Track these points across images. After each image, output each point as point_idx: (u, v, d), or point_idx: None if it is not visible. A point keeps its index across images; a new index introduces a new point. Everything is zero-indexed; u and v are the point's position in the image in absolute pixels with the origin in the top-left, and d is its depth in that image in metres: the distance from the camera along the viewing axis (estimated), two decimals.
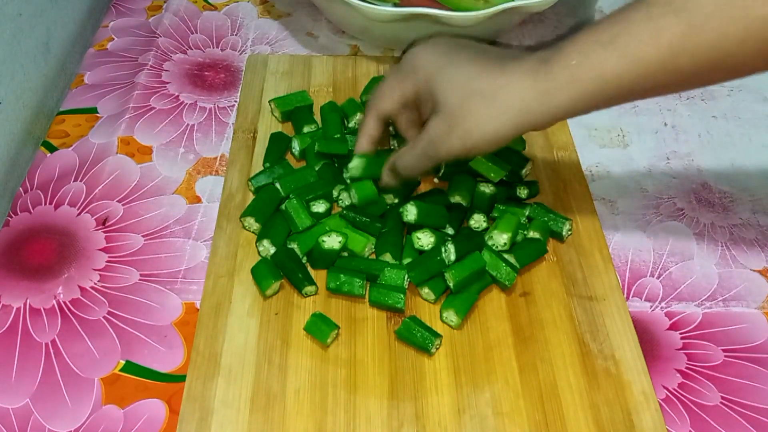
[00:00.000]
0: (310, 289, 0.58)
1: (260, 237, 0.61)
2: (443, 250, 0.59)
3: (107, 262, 0.61)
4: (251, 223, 0.62)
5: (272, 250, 0.61)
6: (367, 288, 0.59)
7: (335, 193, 0.65)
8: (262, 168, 0.67)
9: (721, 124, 0.77)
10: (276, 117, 0.73)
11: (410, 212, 0.61)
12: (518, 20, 0.85)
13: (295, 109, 0.72)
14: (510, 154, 0.68)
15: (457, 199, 0.64)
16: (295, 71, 0.78)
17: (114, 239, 0.62)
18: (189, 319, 0.57)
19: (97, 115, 0.74)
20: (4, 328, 0.56)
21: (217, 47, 0.83)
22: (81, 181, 0.67)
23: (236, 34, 0.85)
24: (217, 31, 0.86)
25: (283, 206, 0.62)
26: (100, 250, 0.61)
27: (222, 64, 0.81)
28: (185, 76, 0.79)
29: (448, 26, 0.74)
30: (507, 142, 0.54)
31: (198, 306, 0.58)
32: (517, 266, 0.60)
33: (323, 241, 0.59)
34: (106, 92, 0.76)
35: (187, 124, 0.73)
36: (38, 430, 0.50)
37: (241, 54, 0.82)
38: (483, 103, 0.53)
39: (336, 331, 0.56)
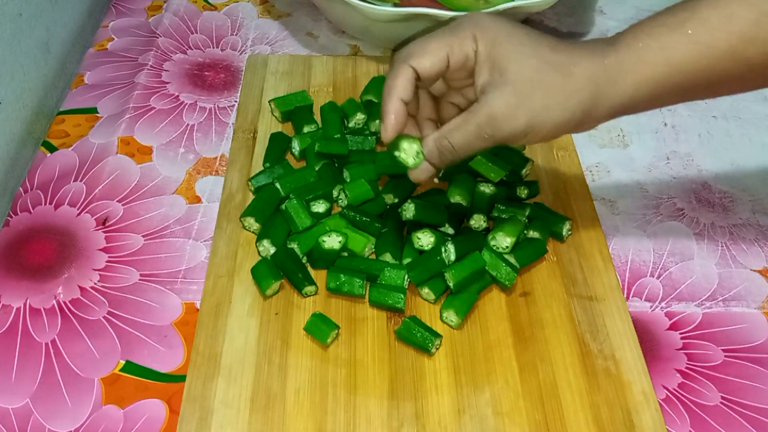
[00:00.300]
0: (310, 289, 0.58)
1: (260, 237, 0.61)
2: (443, 250, 0.59)
3: (107, 262, 0.61)
4: (251, 223, 0.62)
5: (272, 250, 0.61)
6: (367, 288, 0.58)
7: (335, 193, 0.65)
8: (262, 168, 0.67)
9: (721, 124, 0.77)
10: (276, 117, 0.73)
11: (408, 210, 0.61)
12: (518, 20, 0.85)
13: (295, 109, 0.72)
14: (510, 154, 0.68)
15: (457, 198, 0.64)
16: (295, 71, 0.78)
17: (114, 239, 0.62)
18: (189, 319, 0.57)
19: (97, 115, 0.74)
20: (4, 328, 0.55)
21: (217, 47, 0.83)
22: (81, 181, 0.67)
23: (236, 34, 0.85)
24: (217, 31, 0.86)
25: (283, 206, 0.62)
26: (100, 250, 0.61)
27: (222, 64, 0.81)
28: (185, 76, 0.79)
29: None
30: (568, 131, 0.51)
31: (198, 306, 0.58)
32: (517, 266, 0.60)
33: (323, 241, 0.59)
34: (106, 92, 0.76)
35: (187, 124, 0.73)
36: (38, 430, 0.50)
37: (241, 54, 0.82)
38: (558, 78, 0.48)
39: (336, 331, 0.56)
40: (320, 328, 0.56)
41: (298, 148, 0.69)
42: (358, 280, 0.58)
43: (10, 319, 0.56)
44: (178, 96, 0.76)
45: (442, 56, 0.51)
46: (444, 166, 0.53)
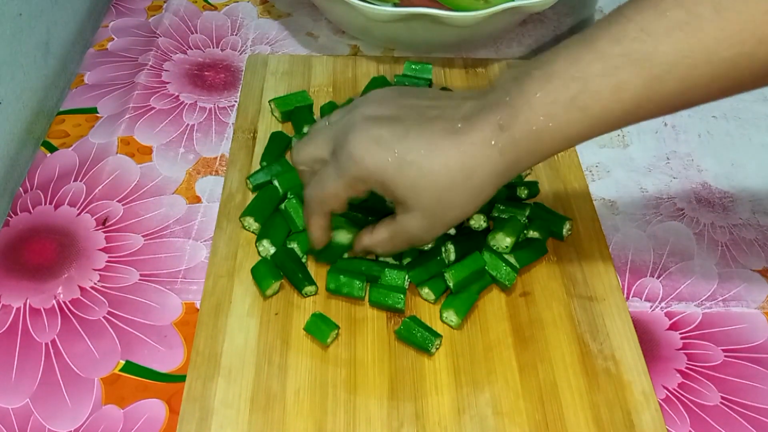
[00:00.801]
0: (310, 289, 0.58)
1: (260, 237, 0.61)
2: (443, 250, 0.59)
3: (107, 262, 0.61)
4: (251, 222, 0.62)
5: (272, 250, 0.61)
6: (367, 289, 0.59)
7: None
8: (260, 167, 0.67)
9: (721, 124, 0.77)
10: (276, 117, 0.73)
11: None
12: (518, 20, 0.85)
13: (295, 109, 0.72)
14: None
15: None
16: (295, 71, 0.78)
17: (114, 239, 0.62)
18: (189, 319, 0.57)
19: (97, 115, 0.74)
20: (4, 328, 0.56)
21: (217, 47, 0.83)
22: (81, 181, 0.67)
23: (236, 34, 0.85)
24: (217, 31, 0.86)
25: (282, 206, 0.62)
26: (100, 250, 0.61)
27: (222, 64, 0.81)
28: (185, 76, 0.79)
29: (449, 26, 0.74)
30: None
31: (198, 306, 0.58)
32: (517, 266, 0.60)
33: (332, 235, 0.59)
34: (106, 92, 0.76)
35: (187, 124, 0.73)
36: (38, 430, 0.50)
37: (241, 54, 0.82)
38: (461, 193, 0.49)
39: (336, 331, 0.56)
40: (320, 328, 0.56)
41: None
42: (358, 282, 0.58)
43: (10, 319, 0.56)
44: (178, 96, 0.76)
45: (345, 199, 0.53)
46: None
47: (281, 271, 0.59)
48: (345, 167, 0.51)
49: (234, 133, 0.71)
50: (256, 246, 0.61)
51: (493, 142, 0.48)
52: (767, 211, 0.69)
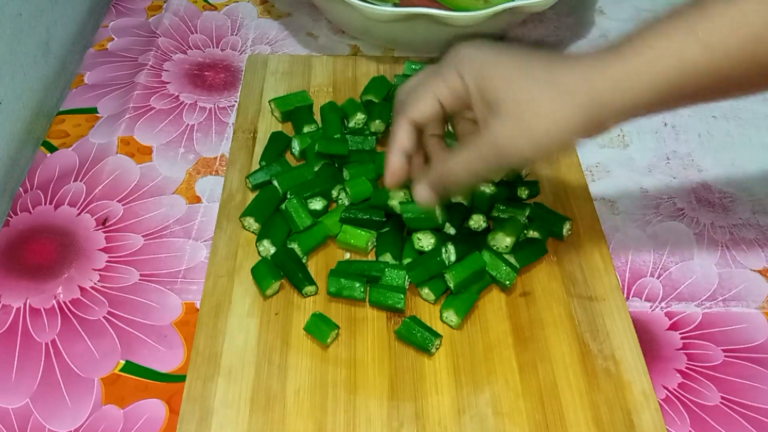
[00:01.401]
0: (310, 289, 0.58)
1: (260, 237, 0.61)
2: (443, 250, 0.59)
3: (107, 262, 0.61)
4: (251, 223, 0.62)
5: (272, 250, 0.61)
6: (368, 289, 0.58)
7: (334, 193, 0.65)
8: (259, 166, 0.67)
9: (721, 124, 0.77)
10: (276, 117, 0.73)
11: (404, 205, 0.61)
12: (518, 20, 0.85)
13: (295, 109, 0.72)
14: None
15: (457, 198, 0.64)
16: (295, 71, 0.78)
17: (114, 239, 0.62)
18: (189, 319, 0.57)
19: (97, 115, 0.74)
20: (4, 328, 0.56)
21: (217, 47, 0.83)
22: (81, 181, 0.67)
23: (236, 34, 0.85)
24: (217, 31, 0.86)
25: (283, 206, 0.62)
26: (100, 250, 0.61)
27: (222, 64, 0.81)
28: (185, 76, 0.79)
29: (449, 26, 0.74)
30: (579, 137, 0.49)
31: (198, 306, 0.58)
32: (518, 266, 0.60)
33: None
34: (106, 92, 0.76)
35: (187, 124, 0.73)
36: (38, 430, 0.50)
37: (241, 54, 0.82)
38: (549, 91, 0.47)
39: (336, 331, 0.56)
40: (320, 328, 0.56)
41: (298, 148, 0.69)
42: (358, 284, 0.58)
43: (10, 319, 0.56)
44: (178, 96, 0.76)
45: (434, 102, 0.52)
46: (444, 196, 0.56)
47: (281, 271, 0.59)
48: (441, 65, 0.52)
49: (234, 133, 0.71)
50: (256, 246, 0.61)
51: (599, 58, 0.47)
52: (767, 211, 0.69)
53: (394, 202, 0.61)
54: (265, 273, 0.58)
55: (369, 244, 0.61)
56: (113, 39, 0.83)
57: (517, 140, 0.49)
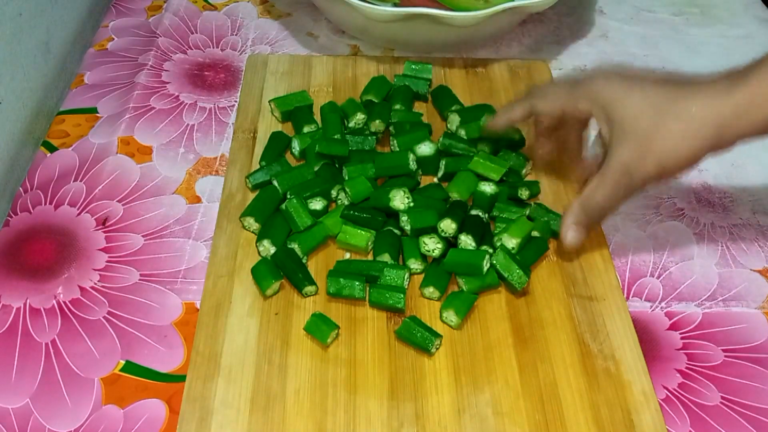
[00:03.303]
0: (310, 289, 0.58)
1: (260, 237, 0.61)
2: (484, 263, 0.58)
3: (107, 262, 0.61)
4: (251, 223, 0.62)
5: (272, 250, 0.61)
6: (367, 289, 0.58)
7: (334, 193, 0.65)
8: (259, 166, 0.67)
9: None
10: (276, 117, 0.73)
11: (398, 199, 0.61)
12: (518, 20, 0.85)
13: (295, 109, 0.72)
14: (509, 154, 0.68)
15: (455, 195, 0.64)
16: (295, 71, 0.78)
17: (114, 239, 0.62)
18: (189, 319, 0.57)
19: (97, 115, 0.74)
20: (4, 328, 0.56)
21: (217, 47, 0.83)
22: (81, 181, 0.67)
23: (236, 34, 0.85)
24: (217, 31, 0.86)
25: (283, 206, 0.62)
26: (100, 250, 0.61)
27: (222, 64, 0.81)
28: (185, 76, 0.79)
29: (448, 26, 0.74)
30: (699, 162, 0.54)
31: (198, 306, 0.58)
32: (529, 270, 0.59)
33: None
34: (106, 92, 0.76)
35: (187, 124, 0.73)
36: (38, 430, 0.50)
37: (241, 54, 0.82)
38: (677, 122, 0.52)
39: (336, 331, 0.56)
40: (320, 328, 0.55)
41: (298, 148, 0.68)
42: (358, 283, 0.58)
43: (10, 319, 0.56)
44: (178, 96, 0.76)
45: (557, 107, 0.60)
46: (593, 224, 0.59)
47: (281, 271, 0.59)
48: (578, 83, 0.59)
49: (234, 133, 0.71)
50: (256, 246, 0.61)
51: (725, 87, 0.51)
52: (767, 211, 0.69)
53: (396, 203, 0.61)
54: (265, 273, 0.58)
55: (369, 244, 0.61)
56: (113, 39, 0.83)
57: (641, 161, 0.54)
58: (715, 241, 0.66)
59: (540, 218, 0.63)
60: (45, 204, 0.65)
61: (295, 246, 0.61)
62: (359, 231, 0.61)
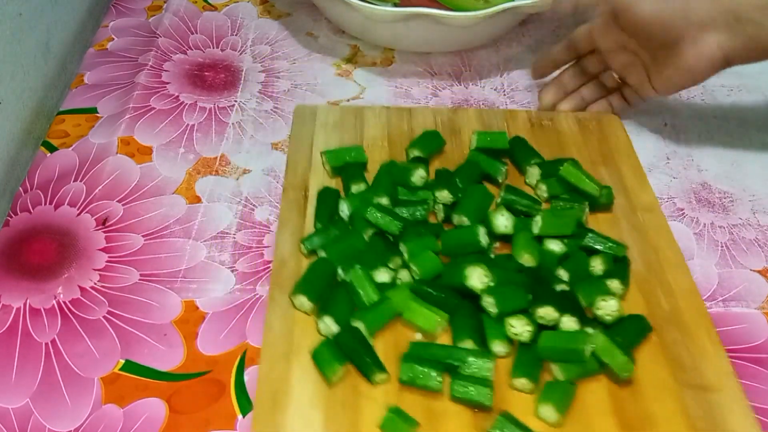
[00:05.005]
0: (381, 377, 0.51)
1: (321, 313, 0.54)
2: (585, 347, 0.51)
3: (107, 262, 0.61)
4: (303, 302, 0.55)
5: (335, 328, 0.53)
6: (445, 378, 0.51)
7: (392, 266, 0.58)
8: (314, 229, 0.61)
9: (721, 124, 0.77)
10: (327, 171, 0.66)
11: (475, 277, 0.55)
12: (518, 20, 0.85)
13: (345, 165, 0.65)
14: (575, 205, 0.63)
15: (526, 261, 0.57)
16: (346, 123, 0.71)
17: (114, 239, 0.62)
18: (188, 318, 0.57)
19: (97, 115, 0.74)
20: (4, 328, 0.56)
21: (217, 47, 0.83)
22: (81, 181, 0.67)
23: (236, 34, 0.85)
24: (217, 31, 0.86)
25: (346, 277, 0.56)
26: (100, 250, 0.61)
27: (222, 64, 0.81)
28: (185, 76, 0.79)
29: (448, 26, 0.74)
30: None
31: (197, 304, 0.58)
32: (632, 355, 0.52)
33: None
34: (106, 92, 0.76)
35: (187, 124, 0.73)
36: (38, 430, 0.50)
37: (241, 54, 0.82)
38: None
39: (415, 429, 0.49)
40: (399, 426, 0.48)
41: (347, 212, 0.61)
42: (435, 374, 0.50)
43: (10, 319, 0.56)
44: (178, 96, 0.76)
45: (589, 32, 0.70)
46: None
47: (346, 354, 0.52)
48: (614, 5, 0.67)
49: (284, 192, 0.65)
50: (316, 323, 0.54)
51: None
52: (767, 211, 0.69)
53: (474, 282, 0.54)
54: (328, 357, 0.51)
55: (439, 326, 0.54)
56: (113, 39, 0.83)
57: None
58: (715, 241, 0.66)
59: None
60: (45, 204, 0.65)
61: (360, 325, 0.53)
62: (429, 312, 0.54)
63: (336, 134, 0.70)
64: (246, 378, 0.54)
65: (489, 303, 0.54)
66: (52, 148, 0.70)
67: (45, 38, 0.79)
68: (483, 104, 0.78)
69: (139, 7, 0.88)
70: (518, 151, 0.68)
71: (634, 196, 0.66)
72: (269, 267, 0.60)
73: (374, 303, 0.55)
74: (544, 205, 0.64)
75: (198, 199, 0.66)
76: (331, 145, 0.68)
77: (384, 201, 0.61)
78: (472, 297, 0.55)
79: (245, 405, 0.52)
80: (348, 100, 0.77)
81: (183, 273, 0.60)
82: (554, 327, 0.54)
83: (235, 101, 0.76)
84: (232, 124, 0.73)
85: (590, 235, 0.59)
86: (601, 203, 0.64)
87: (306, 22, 0.88)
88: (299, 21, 0.88)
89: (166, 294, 0.59)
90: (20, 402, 0.52)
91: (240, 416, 0.52)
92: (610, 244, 0.59)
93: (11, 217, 0.63)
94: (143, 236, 0.63)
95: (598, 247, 0.59)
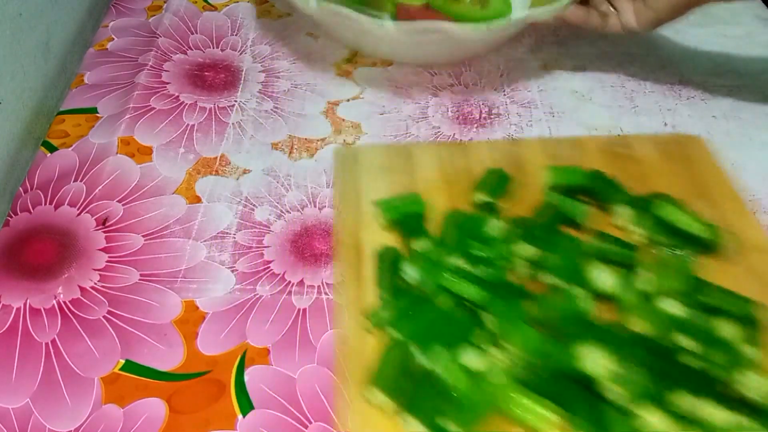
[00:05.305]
0: None
1: (403, 412, 0.45)
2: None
3: (107, 262, 0.61)
4: (381, 399, 0.46)
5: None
6: None
7: (477, 342, 0.48)
8: (376, 297, 0.53)
9: (721, 124, 0.77)
10: (380, 223, 0.58)
11: (594, 361, 0.45)
12: (524, 27, 0.85)
13: (403, 217, 0.57)
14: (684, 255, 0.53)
15: (643, 328, 0.48)
16: (394, 165, 0.63)
17: (114, 239, 0.62)
18: (188, 317, 0.57)
19: (97, 115, 0.74)
20: (4, 328, 0.56)
21: (217, 47, 0.83)
22: (81, 181, 0.67)
23: (236, 34, 0.85)
24: (217, 31, 0.86)
25: (431, 366, 0.46)
26: (100, 250, 0.61)
27: (222, 64, 0.81)
28: (185, 76, 0.79)
29: (453, 38, 0.72)
30: None
31: (198, 304, 0.58)
32: None
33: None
34: (106, 92, 0.76)
35: (187, 124, 0.73)
36: (38, 430, 0.50)
37: (241, 54, 0.82)
38: None
39: None
40: None
41: (415, 276, 0.52)
42: None
43: (10, 319, 0.56)
44: (178, 96, 0.76)
45: None
46: None
47: None
48: None
49: (335, 254, 0.58)
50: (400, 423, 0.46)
51: None
52: (767, 210, 0.69)
53: (591, 366, 0.45)
54: None
55: (554, 428, 0.44)
56: (113, 39, 0.83)
57: None
58: None
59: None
60: (45, 204, 0.65)
61: (450, 425, 0.44)
62: (540, 409, 0.44)
63: (385, 179, 0.61)
64: (246, 378, 0.54)
65: (616, 394, 0.44)
66: (52, 148, 0.70)
67: (45, 38, 0.79)
68: (483, 104, 0.78)
69: (139, 7, 0.88)
70: (601, 188, 0.59)
71: (741, 234, 0.56)
72: (269, 267, 0.61)
73: (465, 395, 0.45)
74: (643, 254, 0.54)
75: (198, 199, 0.66)
76: (381, 192, 0.59)
77: (459, 262, 0.52)
78: (582, 379, 0.45)
79: (245, 405, 0.52)
80: (348, 100, 0.77)
81: (183, 273, 0.60)
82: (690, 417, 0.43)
83: (235, 101, 0.76)
84: (232, 124, 0.73)
85: (713, 290, 0.49)
86: (708, 247, 0.54)
87: (306, 22, 0.88)
88: (299, 21, 0.88)
89: (166, 294, 0.59)
90: (20, 402, 0.52)
91: (240, 416, 0.52)
92: (736, 300, 0.49)
93: (11, 217, 0.63)
94: (143, 236, 0.63)
95: (723, 305, 0.48)
